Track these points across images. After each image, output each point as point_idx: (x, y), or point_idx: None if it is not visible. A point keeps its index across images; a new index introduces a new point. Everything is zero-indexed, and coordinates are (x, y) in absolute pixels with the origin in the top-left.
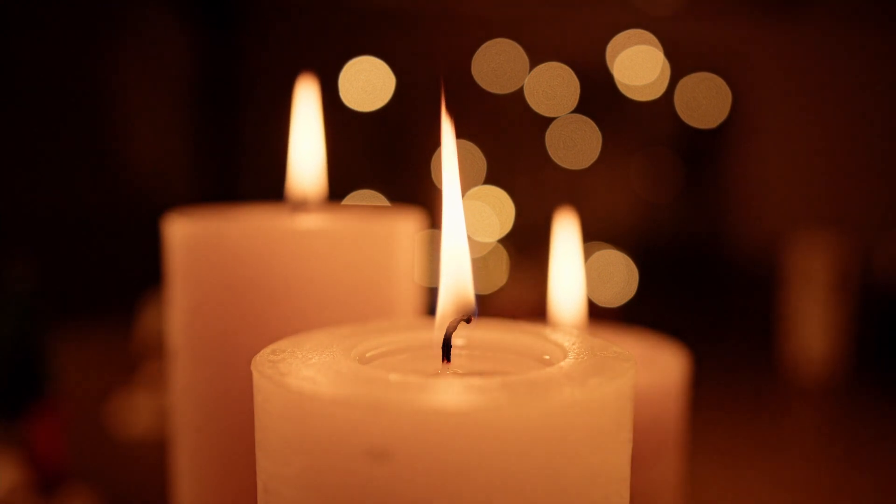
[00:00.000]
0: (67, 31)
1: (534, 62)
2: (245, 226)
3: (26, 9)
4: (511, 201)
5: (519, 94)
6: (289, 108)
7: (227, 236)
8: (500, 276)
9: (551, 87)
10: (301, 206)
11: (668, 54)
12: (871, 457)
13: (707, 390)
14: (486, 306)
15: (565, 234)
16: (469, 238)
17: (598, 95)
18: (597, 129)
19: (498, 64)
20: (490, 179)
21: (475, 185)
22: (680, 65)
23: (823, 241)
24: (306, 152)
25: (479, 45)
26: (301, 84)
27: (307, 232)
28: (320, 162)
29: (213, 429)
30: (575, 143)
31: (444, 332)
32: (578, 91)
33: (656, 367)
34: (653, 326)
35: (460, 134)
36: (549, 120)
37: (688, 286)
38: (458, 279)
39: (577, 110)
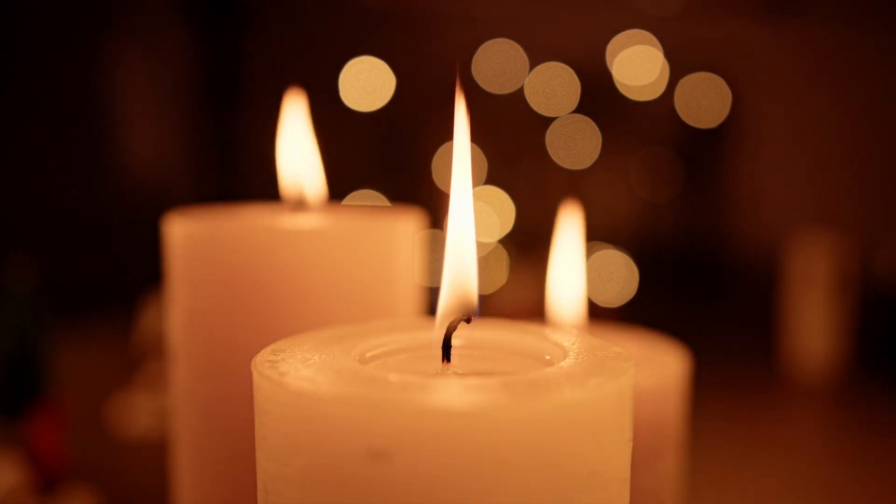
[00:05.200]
0: (67, 31)
1: (534, 62)
2: (245, 226)
3: (25, 8)
4: (511, 201)
5: (519, 94)
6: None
7: (227, 236)
8: (500, 276)
9: (551, 87)
10: (300, 206)
11: (668, 54)
12: (871, 457)
13: (707, 390)
14: (486, 306)
15: (569, 231)
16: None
17: (599, 95)
18: (597, 129)
19: (498, 64)
20: (490, 179)
21: (475, 185)
22: (680, 65)
23: (824, 242)
24: (301, 159)
25: (479, 45)
26: (289, 99)
27: (307, 232)
28: (317, 167)
29: (213, 429)
30: (575, 143)
31: (444, 332)
32: (579, 91)
33: (656, 367)
34: (653, 326)
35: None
36: (550, 120)
37: (688, 286)
38: (461, 278)
39: (578, 110)
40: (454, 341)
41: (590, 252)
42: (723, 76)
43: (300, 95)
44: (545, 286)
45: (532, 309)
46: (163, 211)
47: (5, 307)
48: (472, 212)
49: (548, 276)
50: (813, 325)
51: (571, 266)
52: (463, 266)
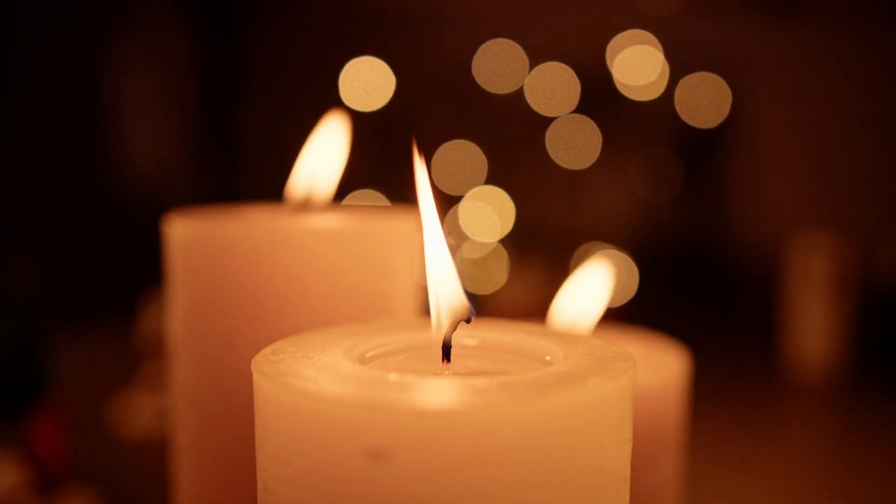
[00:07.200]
0: (68, 30)
1: (534, 62)
2: (245, 226)
3: (26, 8)
4: (511, 201)
5: (519, 93)
6: (289, 109)
7: (227, 236)
8: (500, 276)
9: (551, 87)
10: (301, 206)
11: (668, 54)
12: (871, 457)
13: (707, 390)
14: (486, 306)
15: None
16: (458, 242)
17: (599, 95)
18: (597, 129)
19: (498, 64)
20: (490, 179)
21: (475, 185)
22: (680, 65)
23: (824, 242)
24: (324, 163)
25: (479, 45)
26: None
27: (307, 232)
28: (336, 172)
29: (213, 429)
30: (575, 143)
31: (442, 333)
32: (578, 91)
33: (656, 367)
34: (653, 326)
35: (461, 134)
36: (549, 120)
37: (688, 286)
38: (448, 287)
39: (577, 110)
40: (454, 341)
41: (590, 252)
42: (723, 76)
43: (343, 118)
44: (545, 287)
45: (532, 309)
46: (163, 211)
47: (5, 307)
48: (438, 222)
49: (564, 291)
50: (813, 325)
51: (596, 286)
52: (447, 276)
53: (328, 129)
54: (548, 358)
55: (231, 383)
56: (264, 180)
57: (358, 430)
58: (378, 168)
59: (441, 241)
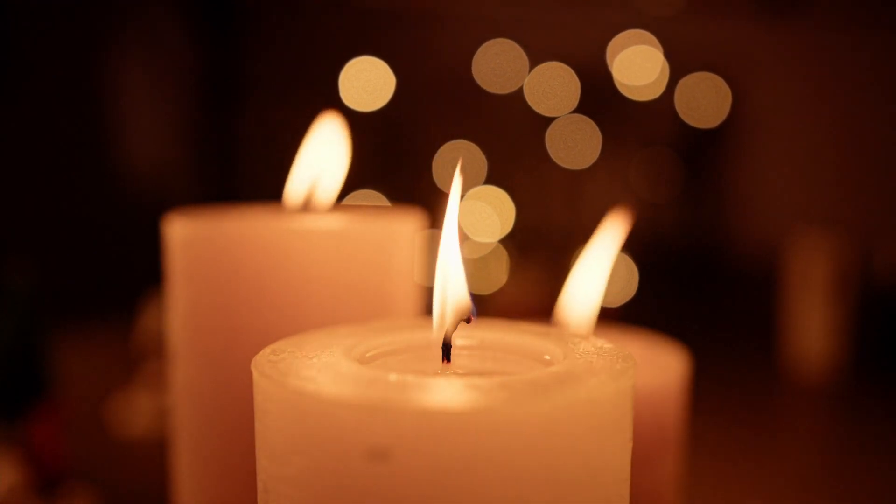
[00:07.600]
0: (68, 31)
1: (534, 62)
2: (245, 226)
3: (26, 9)
4: (511, 201)
5: (519, 93)
6: (289, 109)
7: (227, 236)
8: (500, 276)
9: (551, 87)
10: (301, 206)
11: (668, 54)
12: (870, 457)
13: (707, 390)
14: (486, 306)
15: (605, 239)
16: (465, 242)
17: (599, 95)
18: (597, 129)
19: (498, 64)
20: (490, 179)
21: (475, 185)
22: (680, 65)
23: (823, 242)
24: (325, 162)
25: (479, 45)
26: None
27: (307, 232)
28: (341, 172)
29: (213, 429)
30: (575, 143)
31: (442, 333)
32: (579, 91)
33: (656, 367)
34: (653, 326)
35: (461, 134)
36: (550, 120)
37: (688, 286)
38: (452, 285)
39: (578, 110)
40: (454, 341)
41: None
42: (723, 76)
43: (339, 119)
44: (545, 286)
45: (532, 308)
46: (163, 211)
47: (5, 307)
48: (457, 221)
49: (568, 279)
50: (813, 325)
51: (595, 273)
52: (452, 273)
53: (324, 130)
54: (548, 358)
55: (231, 383)
56: (264, 180)
57: (358, 430)
58: (378, 168)
59: (455, 242)
